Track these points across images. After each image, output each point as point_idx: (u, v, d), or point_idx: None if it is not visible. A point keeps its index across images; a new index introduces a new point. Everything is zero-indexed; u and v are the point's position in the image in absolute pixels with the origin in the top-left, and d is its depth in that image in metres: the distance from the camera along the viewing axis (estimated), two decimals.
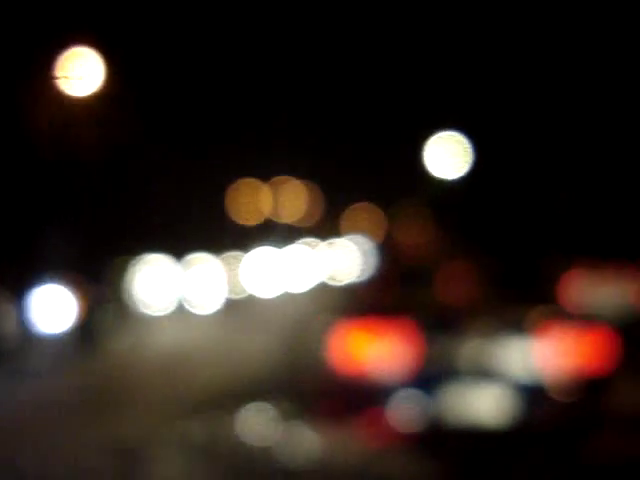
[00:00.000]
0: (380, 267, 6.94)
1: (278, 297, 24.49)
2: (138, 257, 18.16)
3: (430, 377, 4.76)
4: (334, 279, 31.50)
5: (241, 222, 29.25)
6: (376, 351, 4.82)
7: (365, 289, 6.31)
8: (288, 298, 25.33)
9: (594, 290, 14.21)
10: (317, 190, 43.82)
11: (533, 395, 4.63)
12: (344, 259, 35.42)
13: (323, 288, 28.05)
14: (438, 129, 21.93)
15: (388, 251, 7.97)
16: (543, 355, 4.69)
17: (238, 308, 21.09)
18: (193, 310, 17.60)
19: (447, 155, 22.20)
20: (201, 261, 19.66)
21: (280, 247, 27.32)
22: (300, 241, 35.36)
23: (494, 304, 5.06)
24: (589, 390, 4.74)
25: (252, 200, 35.35)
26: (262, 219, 30.83)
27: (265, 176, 40.26)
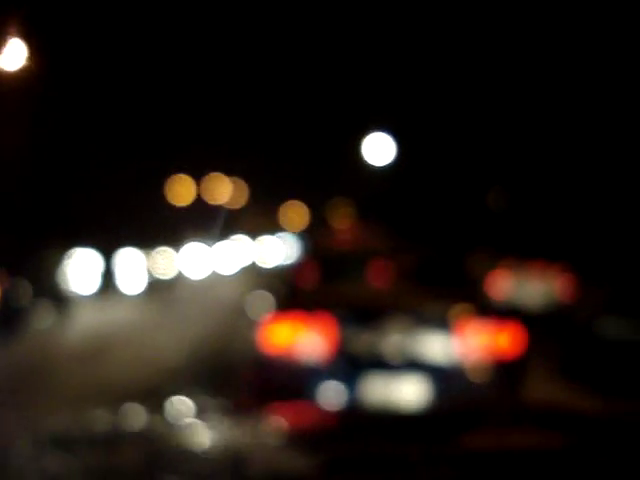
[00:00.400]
0: (304, 256, 7.25)
1: (207, 277, 26.21)
2: (67, 248, 18.24)
3: (351, 367, 4.93)
4: (263, 262, 35.64)
5: (173, 218, 30.00)
6: (299, 341, 4.97)
7: (290, 274, 6.67)
8: (217, 278, 27.80)
9: (519, 286, 15.25)
10: (245, 187, 44.34)
11: (451, 383, 4.87)
12: (273, 250, 40.59)
13: (252, 270, 30.55)
14: (365, 128, 22.33)
15: (313, 244, 8.05)
16: (461, 346, 4.93)
17: (166, 288, 21.78)
18: (121, 290, 17.64)
19: (374, 153, 22.72)
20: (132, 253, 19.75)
21: (211, 244, 28.37)
22: (232, 237, 36.38)
23: (417, 298, 5.23)
24: (502, 377, 5.01)
25: (185, 194, 36.33)
26: (194, 213, 31.68)
27: (198, 173, 40.17)
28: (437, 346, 4.95)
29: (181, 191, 37.52)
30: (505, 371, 5.04)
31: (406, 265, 6.46)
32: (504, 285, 15.29)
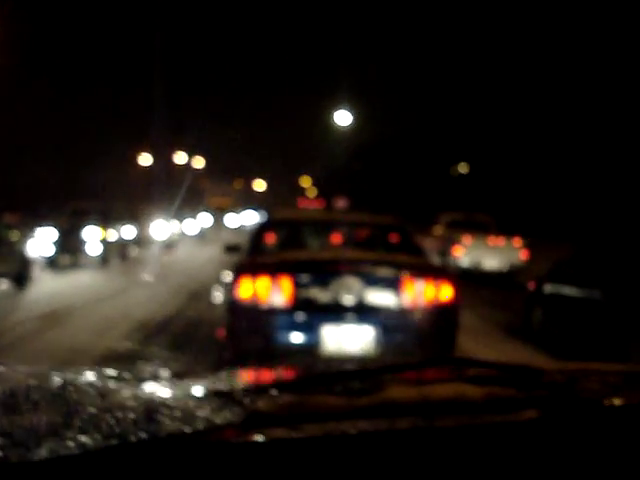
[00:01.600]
0: (265, 223, 7.69)
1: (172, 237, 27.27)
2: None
3: (308, 317, 5.58)
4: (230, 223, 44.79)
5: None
6: (264, 292, 5.59)
7: (253, 238, 7.12)
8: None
9: (480, 252, 16.28)
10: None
11: (395, 331, 5.61)
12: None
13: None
14: (329, 106, 22.52)
15: (273, 215, 8.60)
16: (403, 300, 5.66)
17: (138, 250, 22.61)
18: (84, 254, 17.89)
19: (337, 129, 23.03)
20: None
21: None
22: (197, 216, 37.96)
23: (365, 261, 5.92)
24: (436, 326, 5.76)
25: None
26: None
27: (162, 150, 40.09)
28: (383, 300, 5.67)
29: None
30: (439, 320, 5.74)
31: (358, 234, 7.47)
32: (467, 250, 16.52)
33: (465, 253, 16.44)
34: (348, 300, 5.64)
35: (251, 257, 6.53)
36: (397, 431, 1.16)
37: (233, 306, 5.71)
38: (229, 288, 5.82)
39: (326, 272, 5.69)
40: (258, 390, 1.36)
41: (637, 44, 25.74)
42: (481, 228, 17.73)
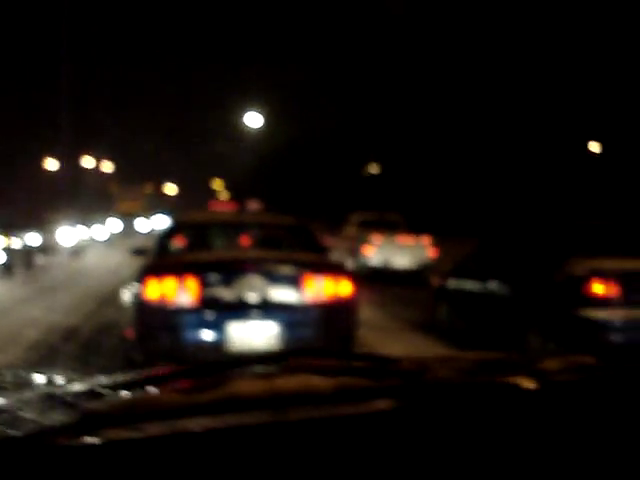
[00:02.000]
0: (173, 226, 7.83)
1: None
2: None
3: (214, 315, 5.79)
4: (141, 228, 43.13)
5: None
6: (171, 293, 5.79)
7: (161, 240, 7.32)
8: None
9: (389, 251, 16.62)
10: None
11: (296, 326, 5.89)
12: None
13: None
14: (240, 107, 22.48)
15: (180, 219, 8.81)
16: (304, 296, 5.97)
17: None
18: None
19: (247, 131, 23.02)
20: None
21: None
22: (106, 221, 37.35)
23: (269, 261, 6.19)
24: (338, 316, 6.09)
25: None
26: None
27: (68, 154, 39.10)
28: (285, 297, 5.96)
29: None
30: (338, 314, 6.07)
31: (262, 235, 7.73)
32: (377, 250, 16.82)
33: (375, 252, 16.71)
34: (252, 298, 5.86)
35: (158, 259, 6.68)
36: (243, 427, 1.11)
37: (140, 307, 5.83)
38: (136, 289, 5.93)
39: (230, 271, 5.90)
40: (94, 391, 1.29)
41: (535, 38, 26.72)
42: (391, 227, 18.06)
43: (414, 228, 18.55)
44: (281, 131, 35.55)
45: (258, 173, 46.43)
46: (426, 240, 17.15)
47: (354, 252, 17.07)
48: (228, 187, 66.14)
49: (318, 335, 5.82)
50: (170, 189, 77.74)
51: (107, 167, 54.64)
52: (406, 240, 17.13)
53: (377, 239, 16.94)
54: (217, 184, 68.75)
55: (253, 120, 32.49)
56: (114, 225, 39.47)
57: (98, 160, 49.75)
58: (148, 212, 56.82)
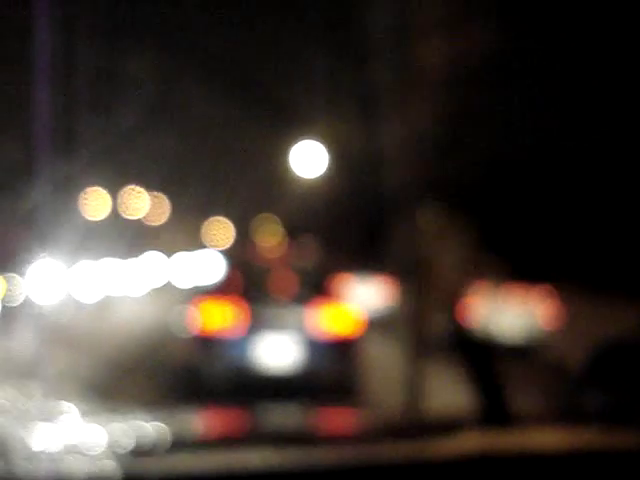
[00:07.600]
0: (228, 271, 9.92)
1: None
2: None
3: (252, 335, 7.47)
4: (179, 282, 31.52)
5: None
6: (219, 317, 7.53)
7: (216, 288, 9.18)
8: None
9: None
10: (166, 202, 42.35)
11: (312, 354, 7.47)
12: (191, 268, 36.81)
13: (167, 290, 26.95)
14: (293, 140, 20.59)
15: (234, 258, 11.21)
16: (320, 329, 7.60)
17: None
18: None
19: (303, 166, 21.12)
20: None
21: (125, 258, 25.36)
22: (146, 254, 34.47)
23: (297, 296, 8.07)
24: (342, 346, 7.61)
25: (101, 207, 34.63)
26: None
27: (113, 187, 37.70)
28: (306, 326, 7.58)
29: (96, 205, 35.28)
30: (345, 347, 7.62)
31: (297, 276, 9.02)
32: (478, 311, 10.17)
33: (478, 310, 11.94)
34: (283, 327, 7.88)
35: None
36: None
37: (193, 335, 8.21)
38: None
39: (270, 307, 8.16)
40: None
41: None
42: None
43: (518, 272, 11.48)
44: (343, 169, 33.55)
45: (314, 213, 44.16)
46: (541, 293, 10.02)
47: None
48: (280, 227, 63.97)
49: (325, 364, 7.45)
50: (221, 225, 76.32)
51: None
52: (515, 294, 10.20)
53: (482, 288, 9.90)
54: (268, 224, 66.53)
55: (311, 155, 30.37)
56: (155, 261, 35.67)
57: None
58: (196, 248, 54.22)
